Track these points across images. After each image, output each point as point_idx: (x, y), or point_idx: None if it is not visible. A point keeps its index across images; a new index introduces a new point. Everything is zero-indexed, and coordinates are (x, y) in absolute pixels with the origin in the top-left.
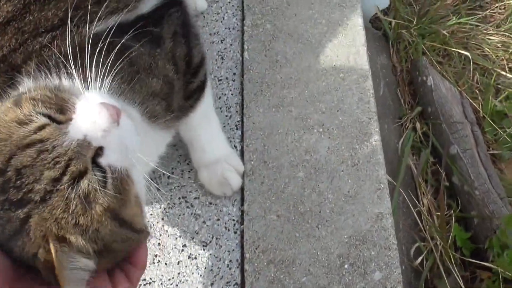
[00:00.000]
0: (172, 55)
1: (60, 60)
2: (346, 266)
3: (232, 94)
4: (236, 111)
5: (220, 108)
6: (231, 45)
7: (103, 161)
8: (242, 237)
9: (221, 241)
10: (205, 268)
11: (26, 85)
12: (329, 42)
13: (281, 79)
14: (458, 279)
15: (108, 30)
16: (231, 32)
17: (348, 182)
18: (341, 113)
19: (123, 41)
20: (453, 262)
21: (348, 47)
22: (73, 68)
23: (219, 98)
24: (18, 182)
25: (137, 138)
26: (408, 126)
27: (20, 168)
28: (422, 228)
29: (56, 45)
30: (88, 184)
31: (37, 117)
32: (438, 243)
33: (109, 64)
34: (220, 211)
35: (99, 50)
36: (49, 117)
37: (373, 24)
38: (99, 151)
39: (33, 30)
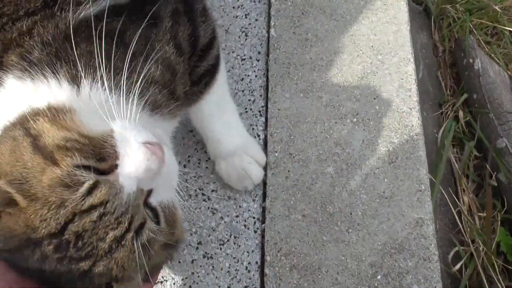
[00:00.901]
0: (172, 35)
1: (43, 54)
2: (378, 277)
3: (256, 76)
4: (260, 95)
5: (243, 91)
6: (256, 20)
7: (153, 201)
8: (262, 237)
9: (239, 240)
10: (222, 269)
11: (12, 86)
12: (367, 19)
13: (310, 60)
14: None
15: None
16: (256, 5)
17: (384, 181)
18: (378, 101)
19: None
20: (496, 269)
21: (388, 25)
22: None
23: (242, 79)
24: (80, 243)
25: (177, 166)
26: (449, 115)
27: (81, 233)
28: (462, 229)
29: (37, 33)
30: (148, 232)
31: (82, 175)
32: (480, 247)
33: (104, 57)
34: (240, 206)
35: (88, 38)
36: (91, 168)
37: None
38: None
39: (13, 12)
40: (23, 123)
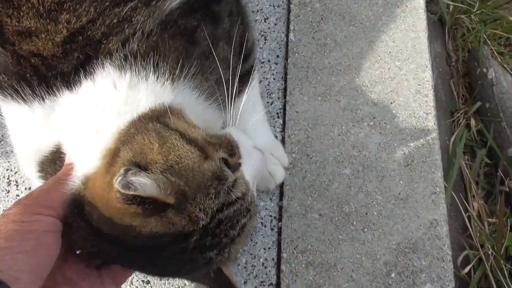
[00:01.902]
0: (230, 36)
1: (143, 46)
2: (393, 275)
3: (274, 79)
4: (278, 98)
5: (261, 93)
6: (275, 24)
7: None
8: (279, 234)
9: (256, 237)
10: (239, 265)
11: (112, 74)
12: (385, 26)
13: (329, 65)
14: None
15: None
16: (276, 10)
17: (400, 183)
18: (395, 106)
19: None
20: (505, 273)
21: (407, 32)
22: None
23: (260, 82)
24: (217, 230)
25: None
26: (461, 123)
27: (222, 220)
28: (472, 234)
29: (136, 22)
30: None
31: (225, 170)
32: (489, 252)
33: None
34: (256, 205)
35: (174, 35)
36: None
37: (428, 7)
38: None
39: None
40: (158, 118)
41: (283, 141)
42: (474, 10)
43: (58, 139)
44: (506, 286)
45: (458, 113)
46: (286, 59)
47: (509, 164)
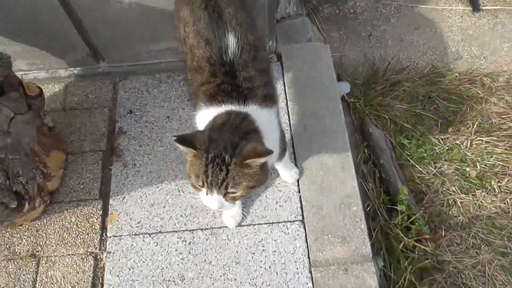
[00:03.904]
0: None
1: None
2: None
3: None
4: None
5: None
6: None
7: None
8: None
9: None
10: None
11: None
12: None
13: None
14: (385, 216)
15: None
16: None
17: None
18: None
19: None
20: (382, 210)
21: (335, 112)
22: None
23: None
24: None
25: None
26: (362, 151)
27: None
28: (369, 196)
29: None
30: None
31: None
32: (377, 202)
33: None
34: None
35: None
36: None
37: (343, 100)
38: None
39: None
40: None
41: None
42: (361, 101)
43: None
44: (382, 213)
45: (360, 147)
46: None
47: (381, 166)
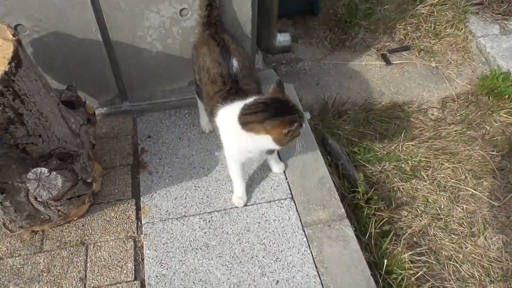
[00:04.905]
0: None
1: None
2: None
3: None
4: None
5: None
6: None
7: None
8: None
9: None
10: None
11: None
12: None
13: None
14: (350, 197)
15: None
16: None
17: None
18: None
19: None
20: (347, 193)
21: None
22: None
23: None
24: None
25: None
26: (325, 156)
27: None
28: (335, 184)
29: None
30: None
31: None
32: (342, 188)
33: None
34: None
35: None
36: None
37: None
38: None
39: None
40: None
41: None
42: (321, 122)
43: None
44: (349, 196)
45: (323, 154)
46: None
47: (342, 165)
